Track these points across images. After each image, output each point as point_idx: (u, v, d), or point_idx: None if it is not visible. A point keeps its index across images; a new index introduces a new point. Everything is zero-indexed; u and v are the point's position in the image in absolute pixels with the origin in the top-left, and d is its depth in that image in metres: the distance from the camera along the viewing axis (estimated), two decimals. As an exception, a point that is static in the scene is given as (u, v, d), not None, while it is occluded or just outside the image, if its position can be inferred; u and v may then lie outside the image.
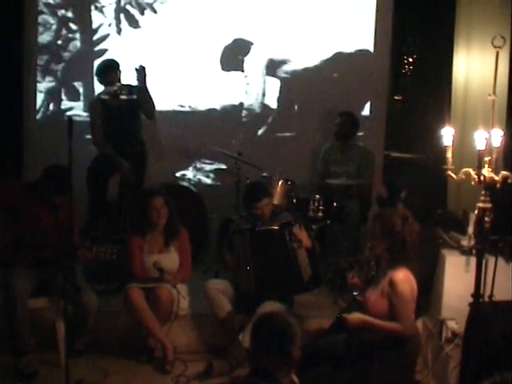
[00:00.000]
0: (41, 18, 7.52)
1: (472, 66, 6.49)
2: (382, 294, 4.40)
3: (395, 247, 4.35)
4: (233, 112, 7.71)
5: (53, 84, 7.63)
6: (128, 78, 6.39)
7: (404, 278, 4.34)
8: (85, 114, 7.25)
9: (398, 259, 4.37)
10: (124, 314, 5.25)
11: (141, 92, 6.29)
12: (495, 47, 3.93)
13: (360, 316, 4.40)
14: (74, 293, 4.77)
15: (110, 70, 6.33)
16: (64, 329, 4.84)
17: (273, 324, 2.97)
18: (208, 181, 7.75)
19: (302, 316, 5.38)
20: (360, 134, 7.19)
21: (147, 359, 5.23)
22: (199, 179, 7.75)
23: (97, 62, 6.79)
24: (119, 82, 6.31)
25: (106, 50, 7.45)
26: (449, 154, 4.01)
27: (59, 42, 7.59)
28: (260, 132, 7.74)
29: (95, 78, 6.57)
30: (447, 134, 3.99)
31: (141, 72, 6.25)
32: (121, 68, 6.33)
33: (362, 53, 7.58)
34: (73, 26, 7.59)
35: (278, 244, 5.29)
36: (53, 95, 7.62)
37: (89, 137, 6.57)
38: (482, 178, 3.86)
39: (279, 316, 2.99)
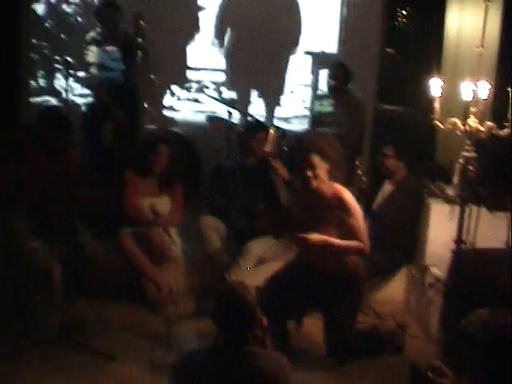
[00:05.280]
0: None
1: (464, 19, 6.52)
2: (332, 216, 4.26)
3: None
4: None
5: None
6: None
7: (350, 194, 4.29)
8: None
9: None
10: (117, 257, 5.37)
11: (137, 38, 6.32)
12: (484, 1, 4.02)
13: (320, 236, 4.19)
14: (70, 234, 4.91)
15: (111, 9, 6.34)
16: (60, 270, 4.97)
17: (233, 301, 3.11)
18: (200, 122, 7.74)
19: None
20: (351, 85, 7.23)
21: (139, 299, 5.34)
22: (192, 120, 7.86)
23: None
24: (119, 23, 6.35)
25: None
26: (436, 105, 4.12)
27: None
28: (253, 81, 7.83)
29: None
30: (435, 85, 4.10)
31: (138, 18, 6.29)
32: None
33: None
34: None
35: (264, 178, 5.53)
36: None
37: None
38: (467, 127, 3.98)
39: (236, 292, 3.14)
